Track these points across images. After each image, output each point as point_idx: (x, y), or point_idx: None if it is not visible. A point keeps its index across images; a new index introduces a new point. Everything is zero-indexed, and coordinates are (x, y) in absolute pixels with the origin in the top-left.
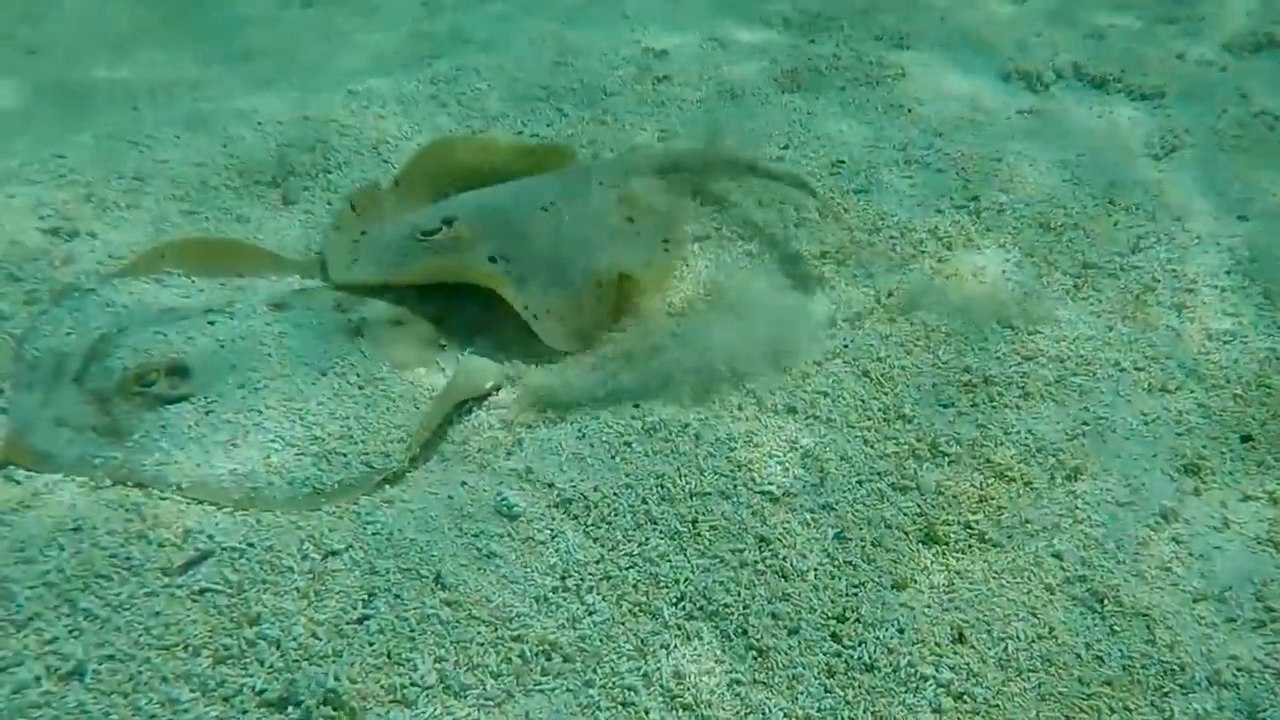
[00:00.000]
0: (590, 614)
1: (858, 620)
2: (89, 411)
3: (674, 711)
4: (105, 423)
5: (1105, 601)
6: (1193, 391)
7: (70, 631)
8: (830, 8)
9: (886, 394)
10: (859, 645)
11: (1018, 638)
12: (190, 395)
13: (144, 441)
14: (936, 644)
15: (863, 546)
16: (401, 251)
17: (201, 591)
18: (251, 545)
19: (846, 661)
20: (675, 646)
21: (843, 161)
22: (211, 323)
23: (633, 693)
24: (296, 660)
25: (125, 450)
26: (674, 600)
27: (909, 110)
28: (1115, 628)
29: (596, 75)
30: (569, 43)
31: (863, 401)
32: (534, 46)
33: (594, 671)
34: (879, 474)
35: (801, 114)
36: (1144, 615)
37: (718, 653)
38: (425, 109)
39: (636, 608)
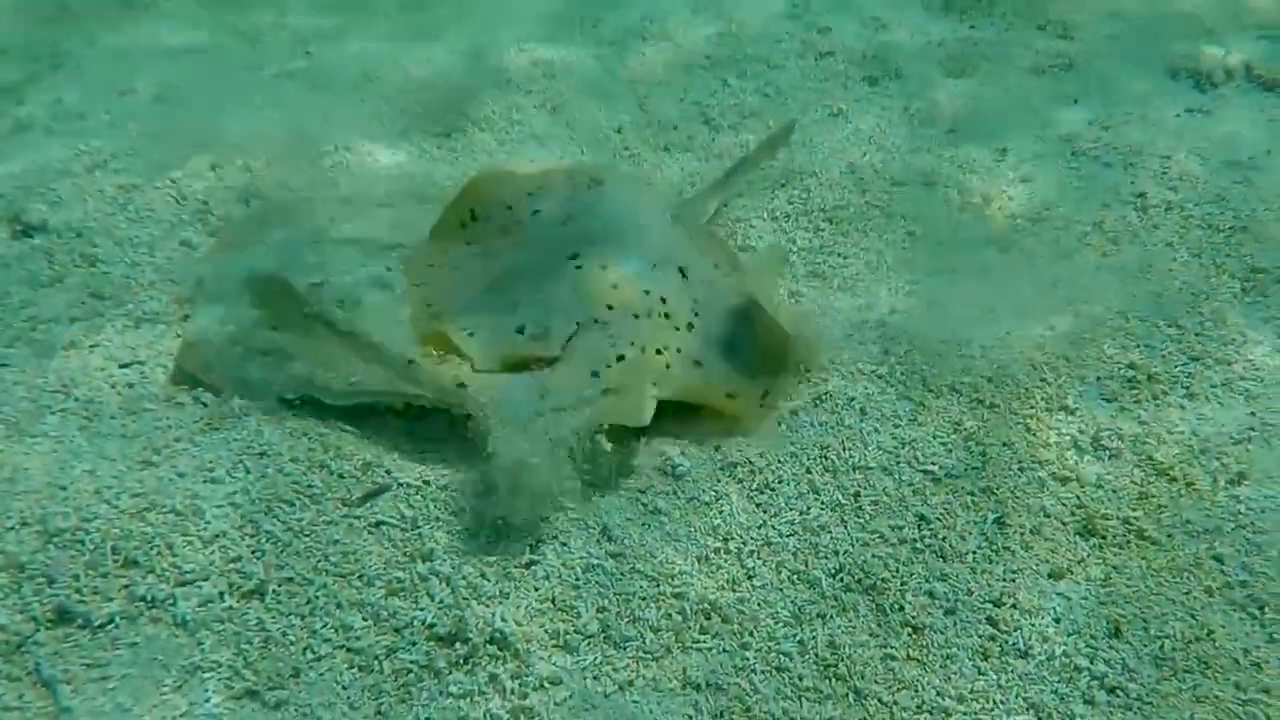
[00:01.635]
0: (750, 578)
1: (1014, 606)
2: (264, 336)
3: (827, 680)
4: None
5: (1266, 609)
6: None
7: (253, 552)
8: None
9: (1050, 384)
10: (1014, 631)
11: (1174, 637)
12: None
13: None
14: (1092, 636)
15: (1021, 533)
16: None
17: (378, 524)
18: (427, 483)
19: (1001, 646)
20: (831, 617)
21: (1006, 150)
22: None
23: (787, 659)
24: (466, 598)
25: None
26: (832, 571)
27: (1075, 101)
28: (1275, 636)
29: (759, 47)
30: (730, 13)
31: (1026, 390)
32: (696, 15)
33: (750, 635)
34: (1040, 462)
35: (967, 99)
36: None
37: (873, 626)
38: (590, 70)
39: (795, 575)
